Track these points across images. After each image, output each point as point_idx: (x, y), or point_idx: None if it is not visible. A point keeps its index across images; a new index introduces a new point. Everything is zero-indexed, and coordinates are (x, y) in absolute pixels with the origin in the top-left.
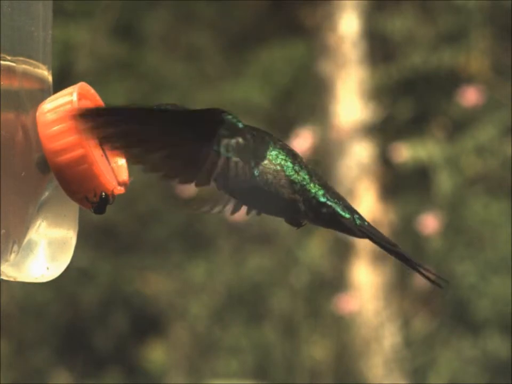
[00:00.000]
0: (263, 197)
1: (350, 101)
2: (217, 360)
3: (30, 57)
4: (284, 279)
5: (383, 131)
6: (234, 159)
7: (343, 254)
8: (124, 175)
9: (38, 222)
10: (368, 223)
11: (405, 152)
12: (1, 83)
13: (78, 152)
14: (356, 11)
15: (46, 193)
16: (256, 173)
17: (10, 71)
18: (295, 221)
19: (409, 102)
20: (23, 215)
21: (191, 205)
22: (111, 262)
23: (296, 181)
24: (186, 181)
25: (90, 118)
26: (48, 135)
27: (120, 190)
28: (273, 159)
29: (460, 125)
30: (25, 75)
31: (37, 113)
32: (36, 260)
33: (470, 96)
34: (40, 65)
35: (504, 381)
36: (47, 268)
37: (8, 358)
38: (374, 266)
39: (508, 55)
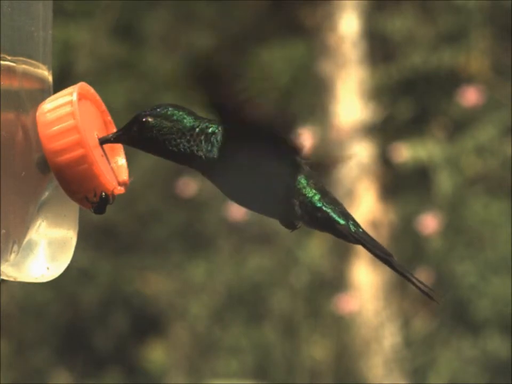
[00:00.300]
0: (260, 198)
1: (350, 101)
2: (217, 360)
3: (30, 57)
4: (284, 279)
5: (383, 131)
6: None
7: (343, 254)
8: (124, 175)
9: (38, 222)
10: (363, 230)
11: (405, 152)
12: (1, 83)
13: (78, 152)
14: (356, 11)
15: (46, 193)
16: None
17: (10, 71)
18: (290, 224)
19: (409, 102)
20: (23, 215)
21: None
22: (111, 262)
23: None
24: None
25: None
26: (48, 135)
27: (120, 190)
28: None
29: (460, 125)
30: (25, 75)
31: (37, 113)
32: (36, 260)
33: (470, 96)
34: (40, 65)
35: (504, 381)
36: (47, 268)
37: (8, 358)
38: (374, 266)
39: (508, 55)
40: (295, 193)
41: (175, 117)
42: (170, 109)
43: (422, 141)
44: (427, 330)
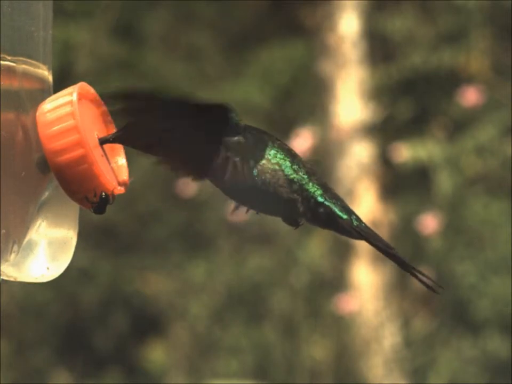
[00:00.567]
0: (261, 196)
1: (350, 101)
2: (217, 360)
3: (30, 57)
4: (284, 279)
5: (383, 131)
6: (235, 158)
7: (343, 254)
8: (124, 175)
9: (38, 222)
10: (366, 224)
11: (405, 152)
12: (1, 83)
13: (78, 152)
14: (356, 11)
15: (46, 193)
16: (254, 172)
17: (10, 71)
18: (292, 221)
19: (409, 102)
20: (23, 215)
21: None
22: (111, 262)
23: (295, 180)
24: (196, 176)
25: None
26: (48, 135)
27: (120, 190)
28: (272, 158)
29: (460, 125)
30: (25, 75)
31: (37, 113)
32: (36, 260)
33: (470, 96)
34: (41, 65)
35: (504, 381)
36: (47, 268)
37: (8, 358)
38: (374, 266)
39: (508, 55)
40: (297, 189)
41: None
42: None
43: (422, 141)
44: (427, 330)
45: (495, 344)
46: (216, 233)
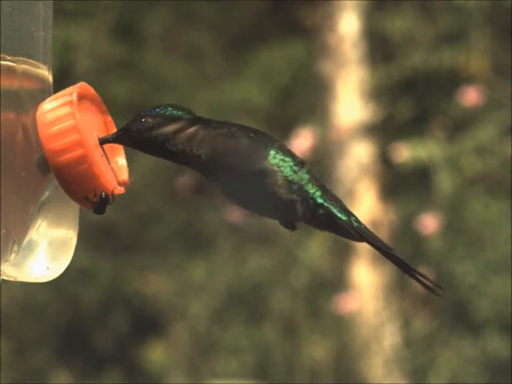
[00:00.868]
0: (260, 197)
1: (350, 101)
2: (217, 360)
3: (30, 57)
4: (284, 279)
5: (383, 131)
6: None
7: (343, 254)
8: (124, 175)
9: (38, 222)
10: (365, 225)
11: (405, 152)
12: (1, 83)
13: (78, 152)
14: (356, 11)
15: (46, 193)
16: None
17: (10, 71)
18: (290, 223)
19: (409, 102)
20: (23, 215)
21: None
22: (111, 262)
23: (294, 181)
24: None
25: None
26: (48, 135)
27: (120, 190)
28: (271, 159)
29: (460, 125)
30: (25, 75)
31: (37, 113)
32: (36, 260)
33: (470, 96)
34: (41, 65)
35: (504, 381)
36: (48, 268)
37: (8, 358)
38: (374, 266)
39: (508, 55)
40: (296, 190)
41: (174, 117)
42: (169, 109)
43: (422, 141)
44: (427, 330)
45: (495, 344)
46: (216, 233)
